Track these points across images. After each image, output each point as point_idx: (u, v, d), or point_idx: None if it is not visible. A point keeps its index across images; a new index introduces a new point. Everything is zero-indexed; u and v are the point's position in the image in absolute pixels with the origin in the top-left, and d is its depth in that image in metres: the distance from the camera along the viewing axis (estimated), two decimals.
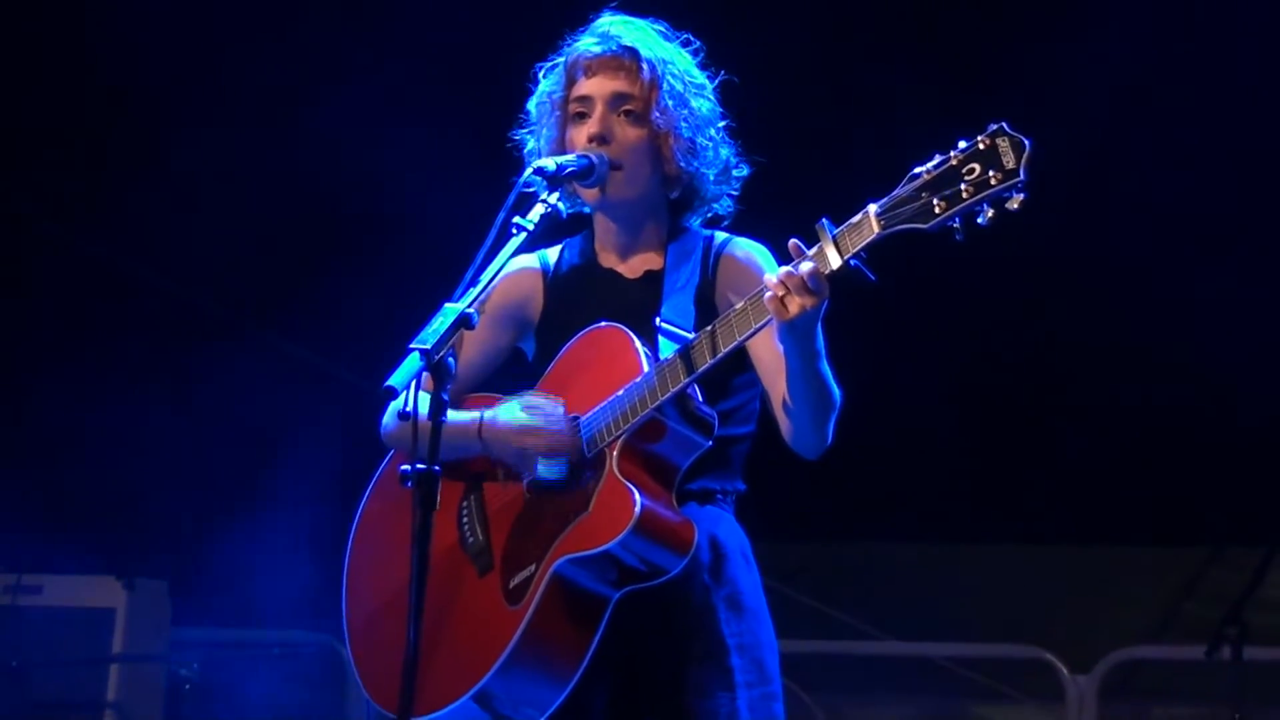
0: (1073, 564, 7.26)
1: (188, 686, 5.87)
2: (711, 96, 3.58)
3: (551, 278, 3.64)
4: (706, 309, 3.47)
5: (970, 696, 7.32)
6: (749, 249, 3.57)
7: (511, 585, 3.39)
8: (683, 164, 3.51)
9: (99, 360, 6.76)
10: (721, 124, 3.58)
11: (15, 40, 6.74)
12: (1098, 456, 6.71)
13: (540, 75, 3.63)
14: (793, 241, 3.16)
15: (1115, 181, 6.51)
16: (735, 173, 3.60)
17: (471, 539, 3.50)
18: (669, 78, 3.50)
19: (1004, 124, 3.02)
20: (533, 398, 3.46)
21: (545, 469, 3.39)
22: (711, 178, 3.56)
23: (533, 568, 3.36)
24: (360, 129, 6.38)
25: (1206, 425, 6.70)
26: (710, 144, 3.53)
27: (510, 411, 3.44)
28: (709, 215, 3.63)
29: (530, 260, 3.65)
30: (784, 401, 3.35)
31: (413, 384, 3.04)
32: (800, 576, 7.16)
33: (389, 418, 3.56)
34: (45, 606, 6.08)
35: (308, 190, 6.65)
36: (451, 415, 3.32)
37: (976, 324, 6.77)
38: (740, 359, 3.40)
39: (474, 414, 3.48)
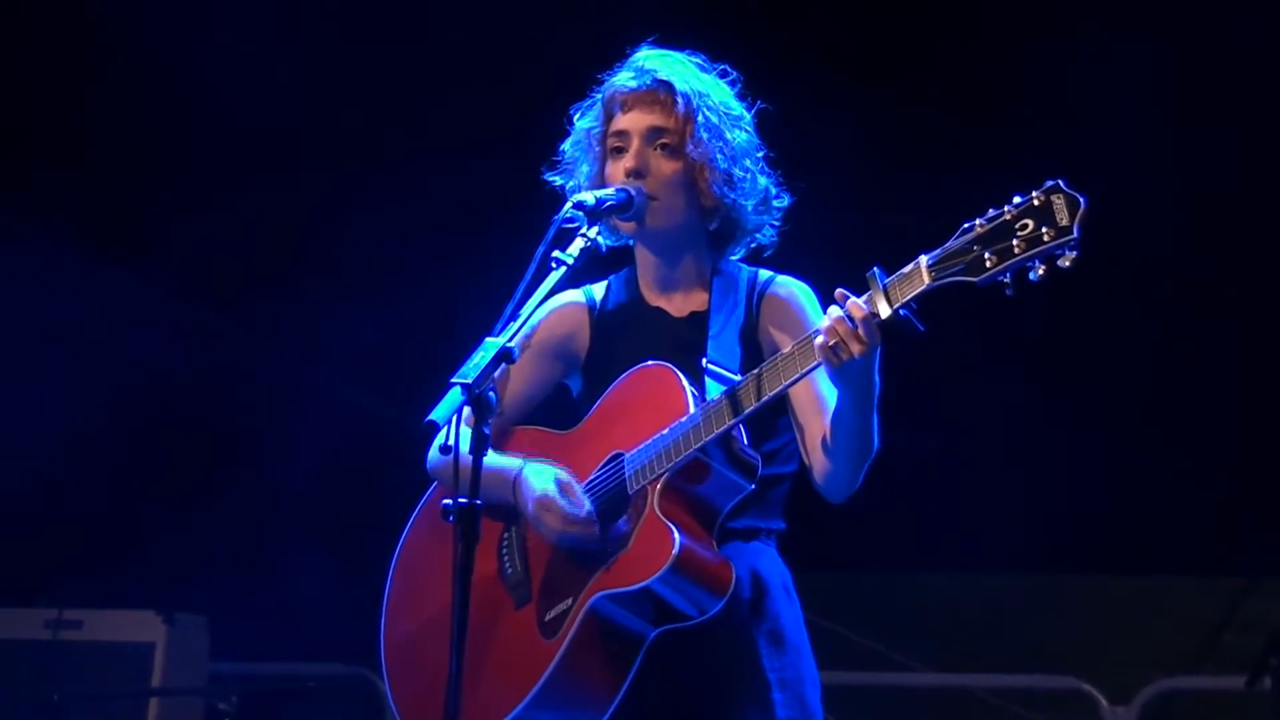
0: (1112, 593, 7.20)
1: None
2: (750, 127, 3.58)
3: (598, 314, 3.63)
4: (751, 348, 3.47)
5: None
6: (792, 288, 3.57)
7: (548, 618, 3.39)
8: (720, 195, 3.51)
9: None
10: (760, 154, 3.58)
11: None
12: (1136, 484, 6.67)
13: (576, 116, 3.64)
14: (839, 291, 3.16)
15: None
16: (776, 203, 3.59)
17: (511, 570, 3.50)
18: (704, 110, 3.50)
19: (1060, 181, 3.02)
20: (567, 474, 3.43)
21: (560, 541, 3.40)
22: (750, 208, 3.55)
23: (569, 601, 3.35)
24: None
25: (1245, 452, 6.66)
26: (747, 175, 3.53)
27: (541, 478, 3.41)
28: (752, 246, 3.63)
29: (576, 296, 3.65)
30: (823, 441, 3.36)
31: (454, 418, 3.05)
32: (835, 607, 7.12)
33: (433, 452, 3.56)
34: (86, 641, 6.08)
35: None
36: (495, 459, 3.34)
37: (1003, 352, 6.75)
38: (784, 399, 3.39)
39: (515, 463, 3.47)
